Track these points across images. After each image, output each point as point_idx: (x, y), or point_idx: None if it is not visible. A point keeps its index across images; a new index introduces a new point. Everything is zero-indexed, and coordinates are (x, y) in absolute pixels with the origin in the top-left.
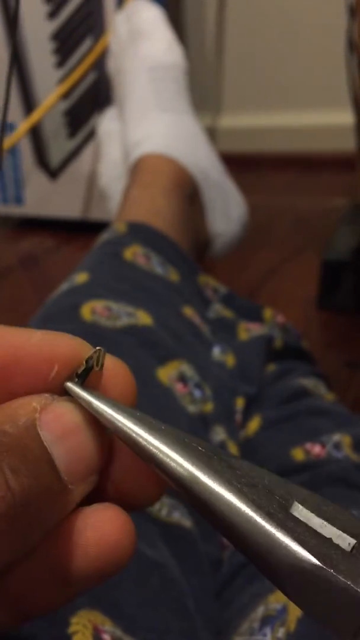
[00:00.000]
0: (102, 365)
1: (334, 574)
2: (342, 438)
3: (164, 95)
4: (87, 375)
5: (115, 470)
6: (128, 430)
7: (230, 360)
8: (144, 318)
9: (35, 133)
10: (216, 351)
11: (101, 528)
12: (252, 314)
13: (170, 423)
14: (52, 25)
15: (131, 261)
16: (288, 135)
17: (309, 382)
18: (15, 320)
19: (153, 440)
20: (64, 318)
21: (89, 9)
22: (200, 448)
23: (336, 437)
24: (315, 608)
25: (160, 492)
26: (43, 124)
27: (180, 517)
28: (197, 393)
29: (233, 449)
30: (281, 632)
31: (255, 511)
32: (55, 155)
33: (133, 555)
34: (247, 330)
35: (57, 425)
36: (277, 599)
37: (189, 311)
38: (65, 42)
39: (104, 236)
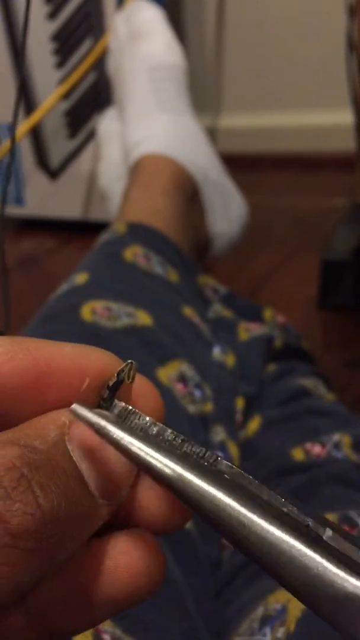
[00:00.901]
0: (133, 378)
1: None
2: (342, 438)
3: (164, 95)
4: (118, 388)
5: (143, 495)
6: (142, 456)
7: (230, 360)
8: (143, 318)
9: (36, 134)
10: (216, 351)
11: (132, 554)
12: (252, 314)
13: (170, 423)
14: (52, 26)
15: (131, 261)
16: (288, 135)
17: (309, 382)
18: (15, 320)
19: (171, 465)
20: (64, 318)
21: (89, 10)
22: (221, 473)
23: (336, 437)
24: None
25: (187, 517)
26: (43, 125)
27: None
28: (197, 393)
29: (233, 449)
30: (281, 632)
31: (299, 540)
32: (56, 156)
33: (162, 580)
34: (247, 330)
35: (86, 439)
36: (276, 599)
37: (188, 311)
38: (65, 43)
39: (104, 236)
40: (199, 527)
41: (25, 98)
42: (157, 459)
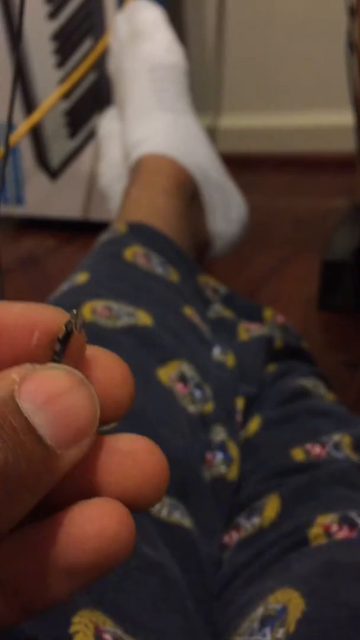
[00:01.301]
0: (80, 328)
1: None
2: (342, 438)
3: (165, 95)
4: (68, 340)
5: (115, 470)
6: None
7: (230, 360)
8: (144, 318)
9: (36, 133)
10: (216, 351)
11: (100, 521)
12: (252, 314)
13: (170, 423)
14: (53, 26)
15: (131, 261)
16: (288, 135)
17: (309, 383)
18: None
19: None
20: None
21: (90, 10)
22: None
23: (336, 437)
24: None
25: (161, 493)
26: (43, 124)
27: (181, 517)
28: (197, 393)
29: (233, 449)
30: (281, 632)
31: None
32: (56, 156)
33: (132, 549)
34: (247, 331)
35: (38, 393)
36: (276, 600)
37: (189, 311)
38: (66, 43)
39: (105, 236)
40: (200, 526)
41: (25, 98)
42: None
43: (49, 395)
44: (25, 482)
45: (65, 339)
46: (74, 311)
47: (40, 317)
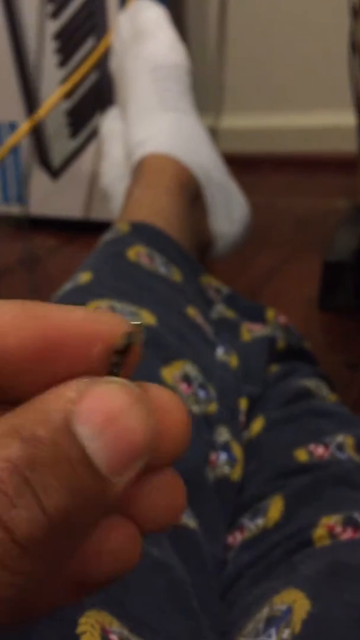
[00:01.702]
0: (141, 341)
1: None
2: (345, 439)
3: (167, 95)
4: (128, 353)
5: (150, 495)
6: None
7: (233, 360)
8: (147, 318)
9: (37, 132)
10: (220, 352)
11: (116, 541)
12: (255, 315)
13: None
14: (55, 25)
15: (135, 261)
16: (289, 136)
17: (311, 383)
18: None
19: None
20: None
21: (92, 9)
22: None
23: (339, 438)
24: None
25: (177, 517)
26: (45, 124)
27: (185, 518)
28: (201, 393)
29: (237, 449)
30: (286, 633)
31: None
32: (57, 155)
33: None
34: (250, 331)
35: (96, 414)
36: (282, 600)
37: (192, 311)
38: (68, 42)
39: (107, 236)
40: (205, 527)
41: (27, 97)
42: None
43: (107, 417)
44: (82, 520)
45: (125, 350)
46: (138, 322)
47: (102, 327)
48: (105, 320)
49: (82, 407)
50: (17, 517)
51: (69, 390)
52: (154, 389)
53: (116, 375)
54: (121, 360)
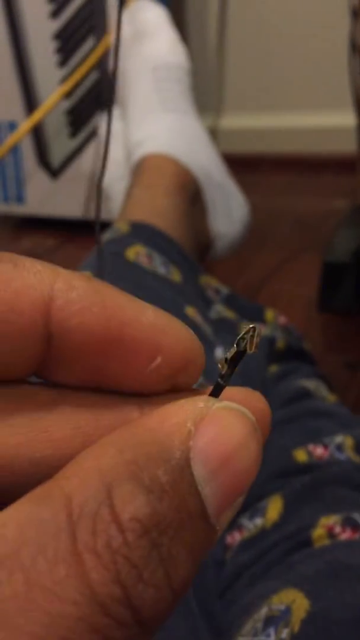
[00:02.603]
0: (257, 346)
1: None
2: (345, 439)
3: (167, 95)
4: (239, 361)
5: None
6: None
7: None
8: None
9: (37, 132)
10: (219, 352)
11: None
12: (254, 315)
13: None
14: (55, 25)
15: (134, 261)
16: (289, 136)
17: (310, 384)
18: None
19: None
20: None
21: (92, 9)
22: None
23: (338, 438)
24: None
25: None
26: (45, 124)
27: None
28: None
29: None
30: (285, 633)
31: None
32: (57, 155)
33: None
34: None
35: (214, 452)
36: (280, 600)
37: (191, 311)
38: (68, 42)
39: (107, 236)
40: None
41: (27, 97)
42: None
43: (226, 457)
44: (189, 575)
45: (237, 359)
46: (253, 326)
47: (169, 338)
48: (175, 333)
49: (200, 442)
50: (146, 595)
51: (188, 418)
52: (249, 396)
53: (222, 386)
54: (231, 371)
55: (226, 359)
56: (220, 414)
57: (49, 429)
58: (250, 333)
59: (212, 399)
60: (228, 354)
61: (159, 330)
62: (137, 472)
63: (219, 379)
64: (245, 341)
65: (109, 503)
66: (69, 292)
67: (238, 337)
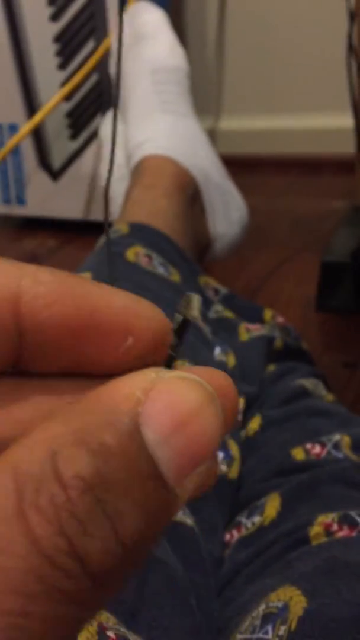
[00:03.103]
0: (200, 311)
1: None
2: (342, 438)
3: (166, 97)
4: (185, 330)
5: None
6: None
7: (231, 360)
8: None
9: (38, 134)
10: (217, 351)
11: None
12: (253, 315)
13: None
14: (55, 27)
15: (133, 261)
16: (288, 137)
17: (308, 383)
18: None
19: None
20: None
21: (92, 11)
22: None
23: (336, 437)
24: None
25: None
26: (45, 126)
27: (183, 516)
28: None
29: (234, 448)
30: (282, 630)
31: None
32: (58, 157)
33: None
34: (248, 331)
35: (166, 418)
36: (278, 597)
37: None
38: (68, 44)
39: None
40: (202, 525)
41: (28, 99)
42: None
43: (179, 421)
44: (150, 542)
45: (182, 329)
46: (188, 294)
47: (140, 320)
48: (143, 313)
49: (150, 408)
50: (91, 547)
51: (137, 387)
52: (211, 373)
53: (174, 357)
54: (179, 341)
55: (173, 330)
56: (172, 382)
57: (13, 412)
58: (191, 302)
59: (163, 369)
60: (174, 325)
61: (128, 312)
62: (83, 438)
63: (170, 351)
64: (185, 309)
65: (52, 465)
66: (35, 287)
67: (180, 307)
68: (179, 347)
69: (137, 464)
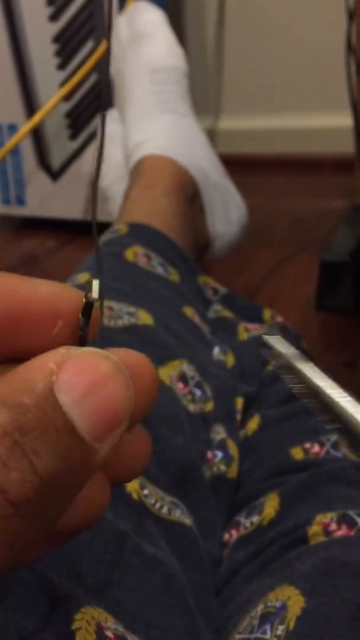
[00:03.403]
0: (101, 295)
1: None
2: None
3: (165, 97)
4: (90, 311)
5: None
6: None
7: (230, 360)
8: (145, 318)
9: (37, 135)
10: (216, 351)
11: (93, 499)
12: (252, 315)
13: (171, 422)
14: (54, 28)
15: (132, 261)
16: (287, 137)
17: None
18: None
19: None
20: None
21: (91, 11)
22: None
23: (335, 436)
24: None
25: (141, 469)
26: (45, 126)
27: (181, 515)
28: (197, 392)
29: (233, 448)
30: (280, 629)
31: None
32: (57, 157)
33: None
34: (247, 331)
35: (77, 384)
36: (276, 597)
37: (189, 311)
38: (67, 44)
39: (105, 237)
40: (200, 525)
41: (27, 99)
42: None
43: (89, 386)
44: (70, 484)
45: (87, 311)
46: (89, 278)
47: (66, 304)
48: (67, 297)
49: (63, 377)
50: (10, 478)
51: (50, 361)
52: (126, 353)
53: (84, 337)
54: (86, 322)
55: (82, 312)
56: (82, 356)
57: None
58: (89, 283)
59: (74, 347)
60: (82, 308)
61: (54, 298)
62: (4, 400)
63: (80, 331)
64: (88, 292)
65: None
66: None
67: (85, 293)
68: (87, 327)
69: (52, 419)
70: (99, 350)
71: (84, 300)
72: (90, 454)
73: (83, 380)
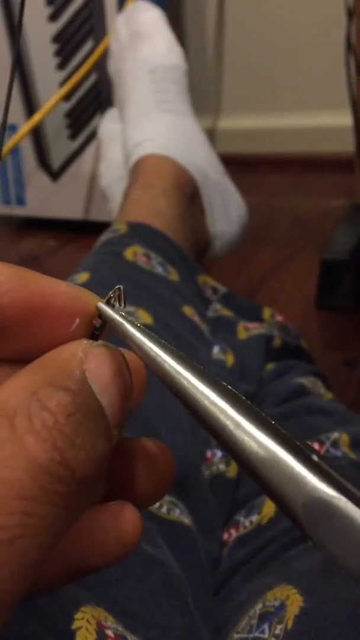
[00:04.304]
0: (124, 302)
1: (352, 504)
2: (341, 436)
3: (165, 96)
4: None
5: (137, 471)
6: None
7: (229, 359)
8: (144, 317)
9: (37, 134)
10: (216, 350)
11: (121, 529)
12: (252, 314)
13: (171, 420)
14: (54, 28)
15: (132, 261)
16: (287, 136)
17: (307, 381)
18: None
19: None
20: None
21: (90, 11)
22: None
23: (335, 435)
24: (330, 545)
25: (164, 493)
26: (45, 126)
27: (180, 515)
28: None
29: None
30: (279, 629)
31: (284, 448)
32: (57, 157)
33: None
34: (246, 330)
35: (103, 372)
36: (275, 596)
37: (188, 310)
38: (67, 44)
39: (105, 236)
40: (200, 524)
41: (27, 99)
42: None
43: (112, 375)
44: (103, 468)
45: (105, 319)
46: (118, 287)
47: (83, 304)
48: (85, 299)
49: (90, 366)
50: (79, 457)
51: (78, 350)
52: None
53: (96, 338)
54: (103, 326)
55: (99, 316)
56: (99, 350)
57: None
58: (117, 292)
59: (92, 341)
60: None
61: (73, 297)
62: (52, 381)
63: (94, 331)
64: (113, 298)
65: (37, 399)
66: None
67: (108, 295)
68: (103, 329)
69: (91, 403)
70: (112, 346)
71: (104, 301)
72: (112, 439)
73: (107, 369)
